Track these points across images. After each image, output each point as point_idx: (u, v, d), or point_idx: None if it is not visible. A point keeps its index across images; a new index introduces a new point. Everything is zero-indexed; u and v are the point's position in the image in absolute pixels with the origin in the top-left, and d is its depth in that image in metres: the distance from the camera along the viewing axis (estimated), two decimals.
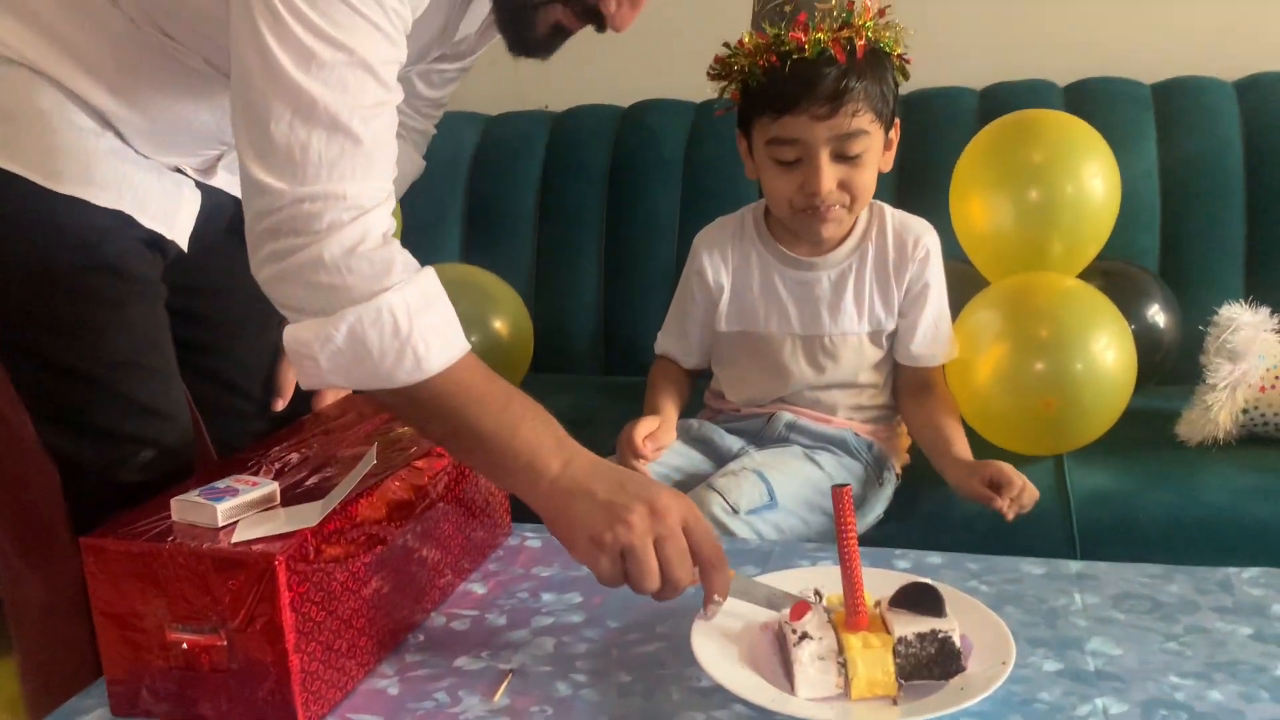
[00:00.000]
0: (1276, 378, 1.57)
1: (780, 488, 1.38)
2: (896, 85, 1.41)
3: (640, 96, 2.33)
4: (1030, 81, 2.12)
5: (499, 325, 1.99)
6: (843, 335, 1.47)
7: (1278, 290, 1.77)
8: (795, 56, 1.33)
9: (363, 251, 0.89)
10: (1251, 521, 1.42)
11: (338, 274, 0.89)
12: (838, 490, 0.90)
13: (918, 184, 1.99)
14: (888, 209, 1.50)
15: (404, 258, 0.92)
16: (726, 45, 1.41)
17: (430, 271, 0.94)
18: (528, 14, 1.03)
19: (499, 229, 2.26)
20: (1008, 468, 1.36)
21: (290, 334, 0.92)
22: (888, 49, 1.37)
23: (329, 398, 1.33)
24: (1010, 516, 1.33)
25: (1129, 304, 1.66)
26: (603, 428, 1.87)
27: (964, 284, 1.64)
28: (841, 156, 1.37)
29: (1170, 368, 1.76)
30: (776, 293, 1.49)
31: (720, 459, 1.48)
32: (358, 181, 0.90)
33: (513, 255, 2.23)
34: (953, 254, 1.59)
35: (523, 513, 1.23)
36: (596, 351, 2.23)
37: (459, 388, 0.93)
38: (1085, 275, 1.67)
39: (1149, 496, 1.48)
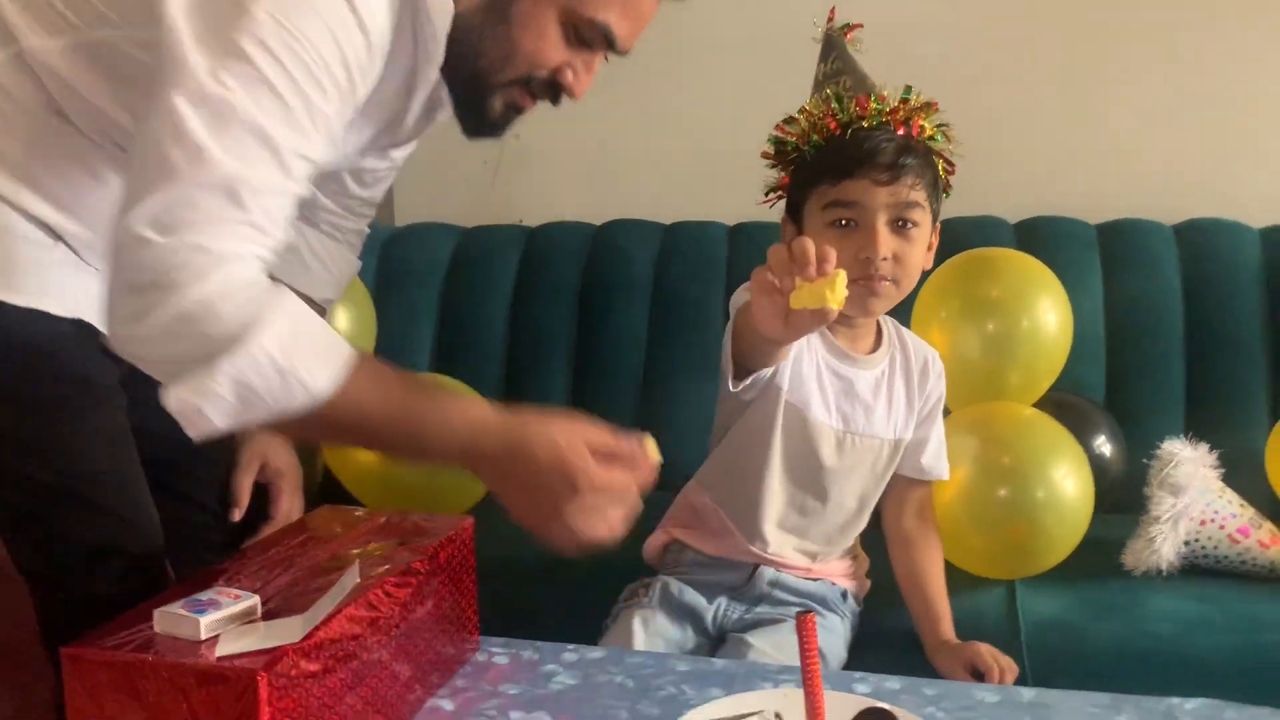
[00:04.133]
0: (1215, 512, 1.64)
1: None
2: (939, 186, 1.44)
3: (611, 216, 2.38)
4: (981, 218, 2.20)
5: None
6: (872, 436, 1.47)
7: (1215, 428, 1.85)
8: (854, 126, 1.37)
9: (227, 294, 0.87)
10: (1194, 654, 1.47)
11: (203, 322, 0.87)
12: (802, 618, 0.93)
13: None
14: (901, 325, 1.53)
15: (266, 294, 0.91)
16: (789, 119, 1.42)
17: (287, 294, 0.92)
18: (488, 97, 1.08)
19: (471, 338, 2.30)
20: (985, 652, 1.38)
21: (172, 396, 0.89)
22: (939, 143, 1.41)
23: (284, 505, 1.33)
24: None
25: (1078, 434, 1.72)
26: None
27: None
28: (897, 227, 1.38)
29: (1116, 497, 1.82)
30: (823, 381, 1.46)
31: (703, 630, 1.45)
32: (232, 244, 0.88)
33: (483, 365, 2.26)
34: None
35: (491, 626, 1.25)
36: None
37: (350, 409, 0.94)
38: (1039, 405, 1.74)
39: (1097, 626, 1.52)
